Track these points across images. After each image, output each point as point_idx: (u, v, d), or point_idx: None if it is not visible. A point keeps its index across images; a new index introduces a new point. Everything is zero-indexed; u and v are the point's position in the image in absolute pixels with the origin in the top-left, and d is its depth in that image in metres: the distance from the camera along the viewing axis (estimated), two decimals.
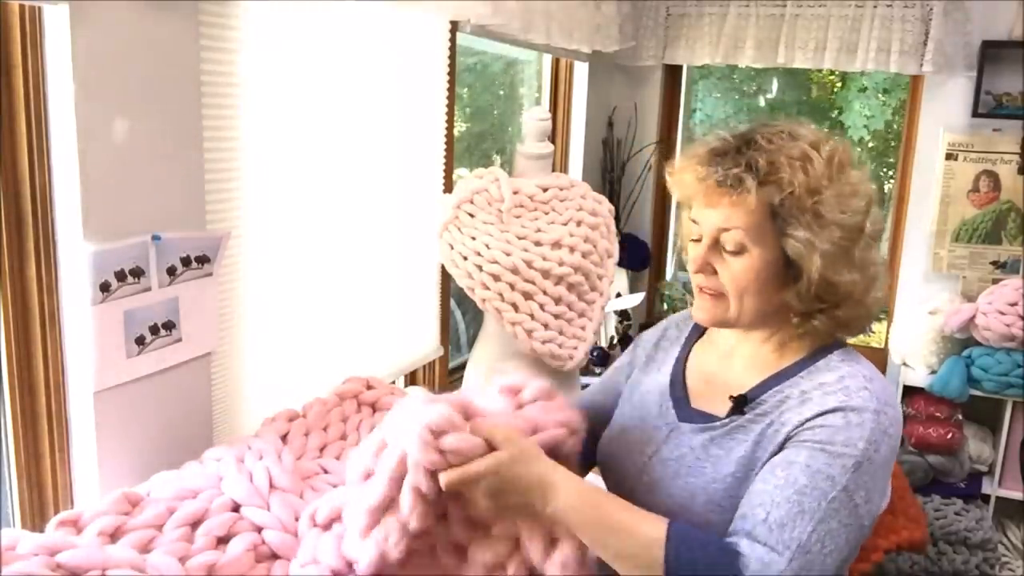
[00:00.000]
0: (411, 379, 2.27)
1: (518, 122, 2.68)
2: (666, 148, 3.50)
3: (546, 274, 2.02)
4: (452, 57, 2.19)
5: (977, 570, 2.71)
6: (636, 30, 3.24)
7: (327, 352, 1.78)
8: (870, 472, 0.98)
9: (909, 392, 2.98)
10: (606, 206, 2.25)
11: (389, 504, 0.93)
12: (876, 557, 2.34)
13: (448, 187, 2.23)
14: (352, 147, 1.80)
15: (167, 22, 1.25)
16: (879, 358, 3.15)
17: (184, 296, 1.33)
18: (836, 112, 6.21)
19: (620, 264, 2.86)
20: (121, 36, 1.18)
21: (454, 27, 2.18)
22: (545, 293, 2.03)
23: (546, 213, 2.14)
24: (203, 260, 1.37)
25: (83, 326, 1.19)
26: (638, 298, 3.22)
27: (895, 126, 5.60)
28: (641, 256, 3.43)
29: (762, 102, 6.03)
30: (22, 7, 1.13)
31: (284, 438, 1.36)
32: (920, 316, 2.97)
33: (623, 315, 3.24)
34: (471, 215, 2.00)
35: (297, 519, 1.14)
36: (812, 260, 1.02)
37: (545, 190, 2.16)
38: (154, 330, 1.29)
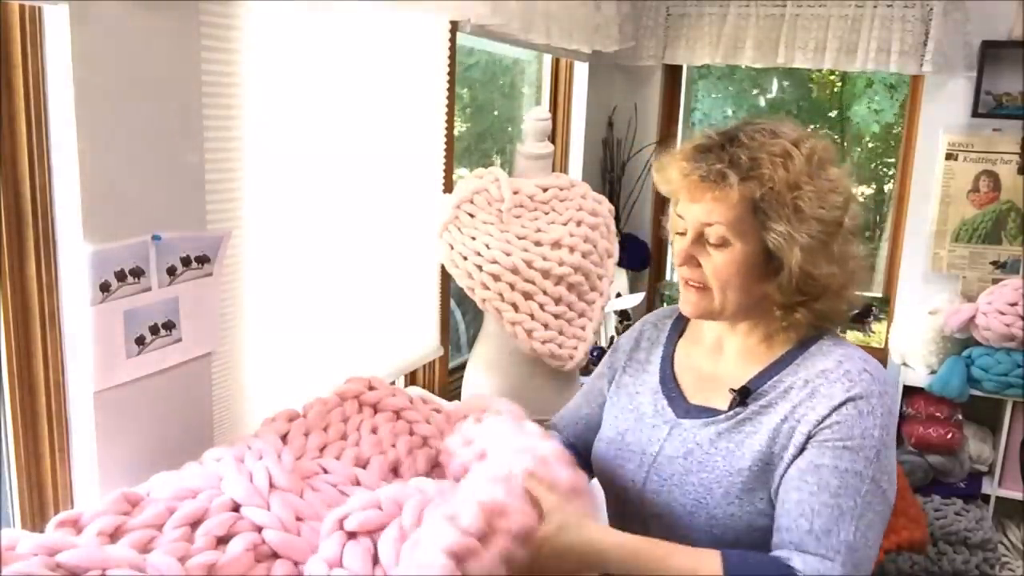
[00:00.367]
0: (411, 379, 2.27)
1: (518, 122, 2.68)
2: (666, 148, 3.49)
3: (546, 274, 2.02)
4: (452, 57, 2.19)
5: (977, 570, 2.71)
6: (636, 30, 3.24)
7: (327, 352, 1.78)
8: (887, 455, 1.05)
9: (909, 392, 2.98)
10: (606, 206, 2.25)
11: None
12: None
13: (448, 187, 2.23)
14: (352, 147, 1.80)
15: (167, 22, 1.25)
16: (879, 358, 3.14)
17: (184, 296, 1.33)
18: (836, 112, 6.21)
19: (620, 264, 2.87)
20: (121, 36, 1.18)
21: (454, 27, 2.17)
22: (545, 293, 2.03)
23: (546, 213, 2.14)
24: (203, 260, 1.37)
25: (83, 326, 1.19)
26: (638, 298, 3.22)
27: (896, 129, 5.60)
28: (641, 256, 3.43)
29: (762, 102, 6.03)
30: (22, 7, 1.13)
31: (284, 438, 1.36)
32: (920, 316, 2.97)
33: (623, 315, 3.24)
34: (471, 215, 2.01)
35: (298, 518, 1.14)
36: (792, 253, 1.05)
37: (545, 190, 2.16)
38: (154, 330, 1.29)
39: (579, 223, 2.13)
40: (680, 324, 1.28)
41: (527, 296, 2.00)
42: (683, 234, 1.13)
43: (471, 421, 1.30)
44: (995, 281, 2.93)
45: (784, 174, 1.05)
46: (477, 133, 3.24)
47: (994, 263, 3.01)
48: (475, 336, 2.27)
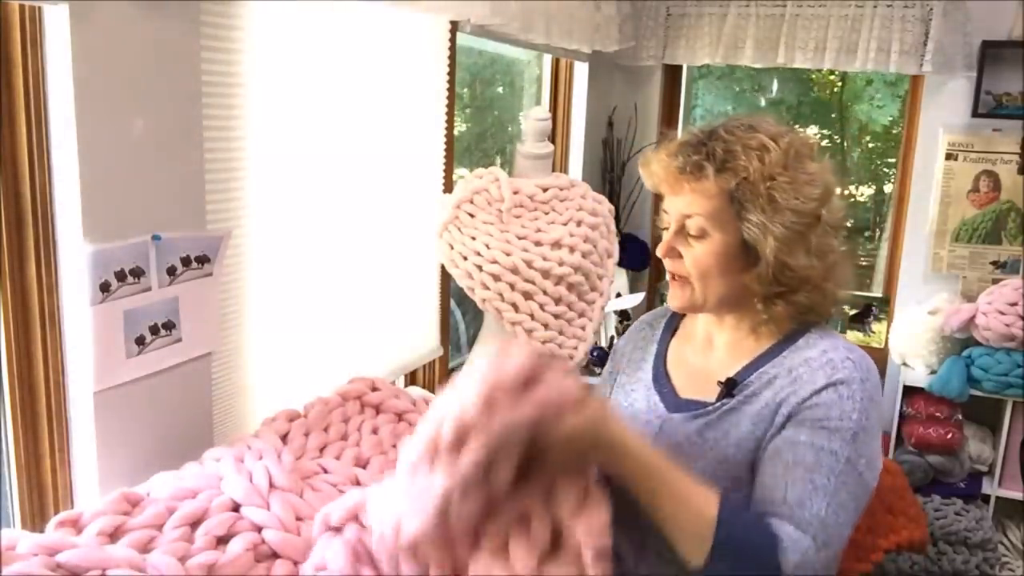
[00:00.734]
0: (411, 379, 2.27)
1: (518, 122, 2.68)
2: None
3: (546, 274, 2.02)
4: (452, 57, 2.19)
5: (977, 570, 2.71)
6: (636, 30, 3.24)
7: (327, 352, 1.78)
8: (866, 440, 1.04)
9: (909, 392, 2.98)
10: (606, 206, 2.25)
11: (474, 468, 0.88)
12: (876, 557, 2.34)
13: (448, 187, 2.23)
14: (352, 147, 1.80)
15: (167, 22, 1.25)
16: (879, 358, 3.14)
17: (184, 296, 1.33)
18: (836, 112, 6.20)
19: (620, 264, 2.87)
20: (121, 36, 1.18)
21: (454, 27, 2.17)
22: (545, 293, 2.03)
23: (546, 213, 2.14)
24: (203, 260, 1.37)
25: (83, 326, 1.19)
26: (638, 298, 3.22)
27: (896, 129, 5.60)
28: (641, 256, 3.43)
29: (762, 101, 6.03)
30: (22, 7, 1.13)
31: (284, 438, 1.36)
32: (920, 316, 2.97)
33: (623, 315, 3.24)
34: (471, 215, 2.00)
35: (298, 518, 1.14)
36: (767, 242, 1.07)
37: (545, 190, 2.16)
38: (154, 330, 1.29)
39: (579, 223, 2.13)
40: (674, 322, 1.30)
41: (527, 296, 2.00)
42: (668, 227, 1.16)
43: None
44: (995, 281, 2.93)
45: (759, 165, 1.07)
46: (477, 133, 3.24)
47: (994, 263, 3.01)
48: (475, 336, 2.27)
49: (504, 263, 1.95)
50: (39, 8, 1.13)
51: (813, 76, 5.78)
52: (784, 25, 3.03)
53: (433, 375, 2.35)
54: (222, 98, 1.40)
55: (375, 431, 1.41)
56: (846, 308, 3.32)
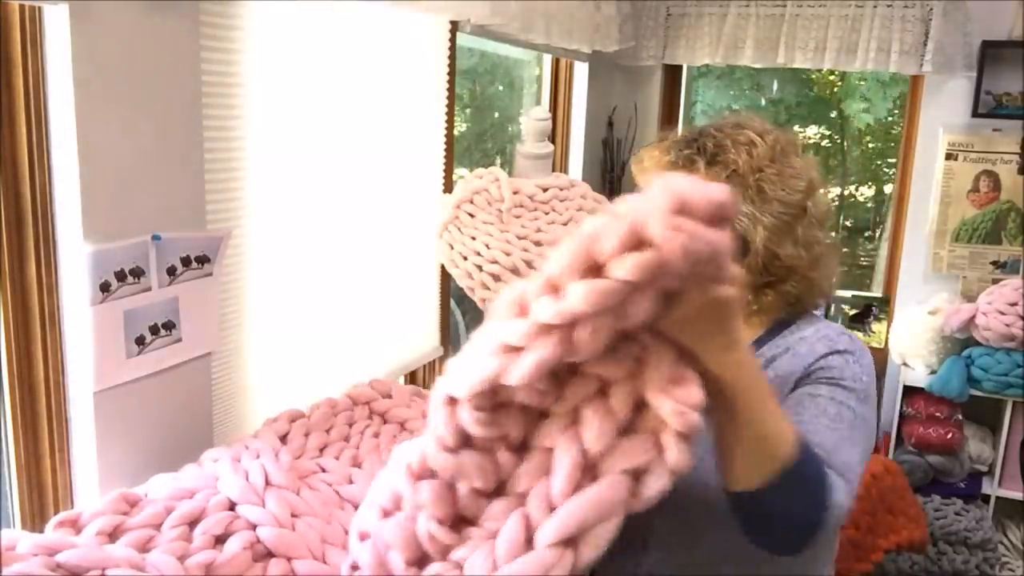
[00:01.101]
0: (411, 379, 2.27)
1: (518, 122, 2.68)
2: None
3: None
4: (452, 57, 2.19)
5: (977, 570, 2.71)
6: (636, 30, 3.24)
7: (327, 352, 1.78)
8: (872, 406, 1.07)
9: (909, 392, 2.98)
10: (606, 206, 2.25)
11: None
12: (876, 557, 2.35)
13: (448, 187, 2.23)
14: (352, 147, 1.80)
15: (167, 22, 1.25)
16: (879, 358, 3.14)
17: (184, 296, 1.33)
18: (836, 111, 6.21)
19: None
20: (121, 36, 1.18)
21: (454, 27, 2.17)
22: None
23: (546, 213, 2.14)
24: (203, 260, 1.37)
25: (83, 326, 1.19)
26: None
27: (895, 130, 5.60)
28: None
29: (762, 101, 6.03)
30: (22, 7, 1.13)
31: (284, 438, 1.36)
32: (920, 316, 2.97)
33: None
34: (471, 215, 2.01)
35: (294, 515, 1.13)
36: (756, 232, 1.11)
37: (545, 190, 2.16)
38: (154, 330, 1.29)
39: (579, 223, 2.13)
40: None
41: None
42: None
43: None
44: (995, 281, 2.93)
45: (747, 159, 1.12)
46: (477, 133, 3.24)
47: (994, 263, 3.01)
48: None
49: (504, 263, 1.95)
50: (39, 8, 1.13)
51: (813, 76, 5.78)
52: (784, 25, 3.03)
53: (433, 375, 2.35)
54: (222, 98, 1.40)
55: (376, 435, 1.40)
56: (846, 308, 3.32)
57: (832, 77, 5.77)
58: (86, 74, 1.13)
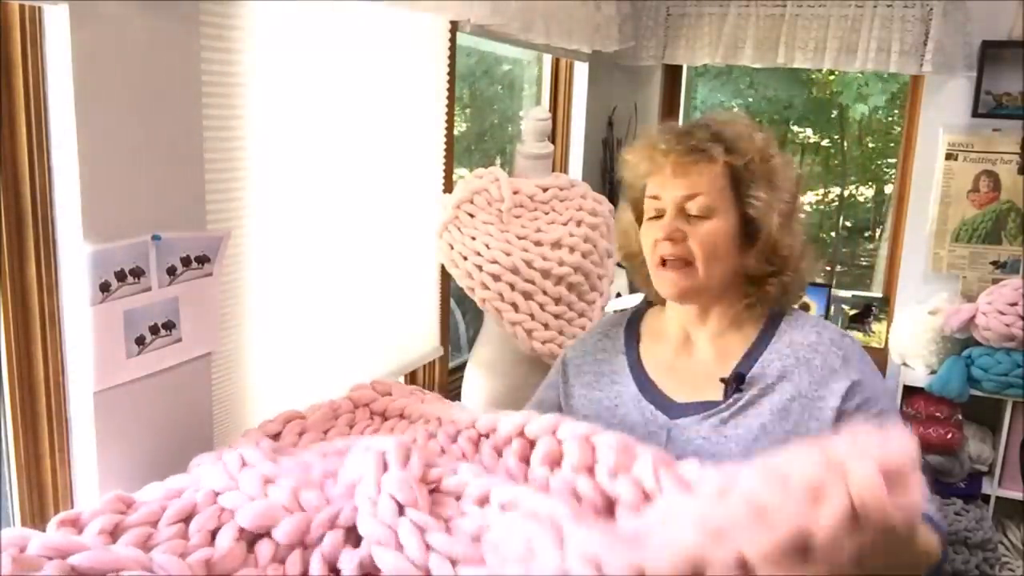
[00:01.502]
0: (411, 379, 2.27)
1: (518, 122, 2.68)
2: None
3: (546, 274, 2.02)
4: (452, 57, 2.19)
5: (977, 570, 2.71)
6: (636, 30, 3.24)
7: (327, 352, 1.78)
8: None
9: (909, 392, 2.98)
10: (606, 206, 2.25)
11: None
12: None
13: (448, 187, 2.23)
14: (352, 147, 1.80)
15: (167, 22, 1.25)
16: (879, 358, 3.14)
17: (184, 296, 1.33)
18: (835, 111, 6.21)
19: (620, 264, 2.87)
20: (121, 36, 1.18)
21: (454, 27, 2.17)
22: (545, 293, 2.03)
23: (546, 213, 2.14)
24: (203, 260, 1.36)
25: (83, 326, 1.19)
26: (638, 298, 3.21)
27: (895, 130, 5.60)
28: None
29: (762, 101, 6.03)
30: (22, 7, 1.13)
31: (276, 437, 1.34)
32: (920, 316, 2.97)
33: None
34: (471, 215, 2.01)
35: (267, 482, 1.08)
36: (771, 219, 1.13)
37: (545, 190, 2.16)
38: (154, 330, 1.29)
39: (579, 223, 2.13)
40: (633, 328, 1.30)
41: (527, 296, 2.00)
42: (658, 216, 1.16)
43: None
44: (995, 281, 2.93)
45: (757, 147, 1.14)
46: (477, 133, 3.24)
47: (994, 263, 3.01)
48: (475, 336, 2.27)
49: (504, 263, 1.95)
50: (39, 8, 1.13)
51: (813, 76, 5.78)
52: (784, 25, 3.03)
53: (433, 375, 2.35)
54: (222, 98, 1.40)
55: (375, 433, 1.39)
56: (846, 308, 3.32)
57: (832, 78, 5.76)
58: (86, 74, 1.13)
